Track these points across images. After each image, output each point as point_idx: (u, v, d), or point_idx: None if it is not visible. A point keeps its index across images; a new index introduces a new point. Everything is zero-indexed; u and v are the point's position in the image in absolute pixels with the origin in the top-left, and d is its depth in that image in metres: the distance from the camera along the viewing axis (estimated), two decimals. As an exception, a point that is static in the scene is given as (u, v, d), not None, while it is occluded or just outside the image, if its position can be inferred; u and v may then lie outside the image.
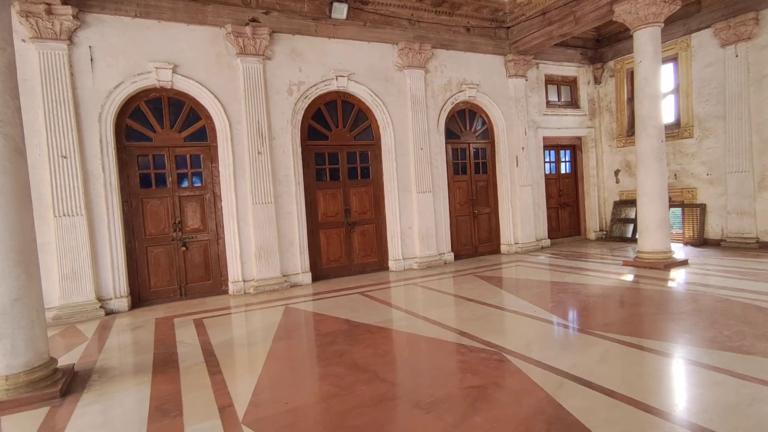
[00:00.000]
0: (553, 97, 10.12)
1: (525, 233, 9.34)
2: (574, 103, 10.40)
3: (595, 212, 10.60)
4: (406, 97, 8.11)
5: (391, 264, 8.08)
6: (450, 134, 8.83)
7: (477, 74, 8.85)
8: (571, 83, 10.35)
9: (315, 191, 7.59)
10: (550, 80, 10.00)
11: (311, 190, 7.55)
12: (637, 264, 7.06)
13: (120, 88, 6.12)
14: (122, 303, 6.09)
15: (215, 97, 6.65)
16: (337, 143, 7.75)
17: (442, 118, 8.51)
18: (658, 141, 6.84)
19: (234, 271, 6.82)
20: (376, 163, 8.07)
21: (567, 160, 10.60)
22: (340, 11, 7.36)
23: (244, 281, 6.86)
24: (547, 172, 10.24)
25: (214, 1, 6.59)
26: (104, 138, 6.04)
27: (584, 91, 10.39)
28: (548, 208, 10.16)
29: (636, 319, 4.43)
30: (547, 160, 10.23)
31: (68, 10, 5.71)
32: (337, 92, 7.66)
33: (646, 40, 6.75)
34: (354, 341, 4.29)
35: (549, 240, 9.89)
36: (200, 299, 6.60)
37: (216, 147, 6.78)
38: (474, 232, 9.13)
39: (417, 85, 8.15)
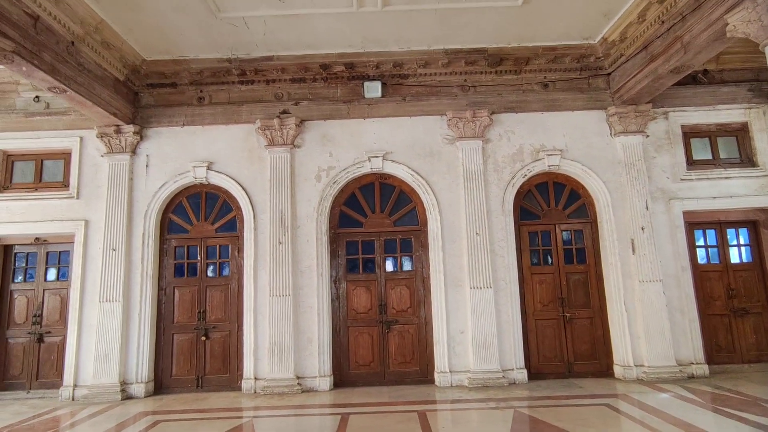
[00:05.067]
0: (702, 155, 7.09)
1: (654, 352, 6.36)
2: (745, 160, 7.07)
3: (809, 326, 6.60)
4: (457, 173, 6.84)
5: (437, 377, 6.47)
6: (526, 214, 6.97)
7: (561, 137, 6.92)
8: (737, 132, 7.12)
9: (345, 284, 6.83)
10: (693, 132, 7.10)
11: (340, 283, 6.83)
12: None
13: (164, 187, 6.86)
14: (140, 389, 6.37)
15: (243, 188, 6.83)
16: (373, 230, 6.94)
17: (510, 194, 6.81)
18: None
19: (248, 368, 6.48)
20: (422, 251, 6.87)
21: (742, 243, 7.08)
22: (375, 89, 6.89)
23: (255, 379, 6.43)
24: (702, 261, 7.00)
25: (248, 100, 6.99)
26: (146, 232, 6.75)
27: (763, 141, 6.99)
28: (707, 315, 6.82)
29: None
30: (700, 244, 7.03)
31: (131, 128, 6.83)
32: (373, 174, 6.99)
33: (786, 57, 4.10)
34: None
35: (707, 366, 6.50)
36: (211, 393, 6.43)
37: (243, 237, 6.85)
38: (566, 343, 6.69)
39: (472, 159, 6.81)
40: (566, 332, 6.71)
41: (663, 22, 5.50)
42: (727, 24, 4.56)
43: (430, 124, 6.99)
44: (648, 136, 6.91)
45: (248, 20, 5.85)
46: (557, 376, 6.60)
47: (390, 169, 6.89)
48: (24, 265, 7.00)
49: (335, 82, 6.98)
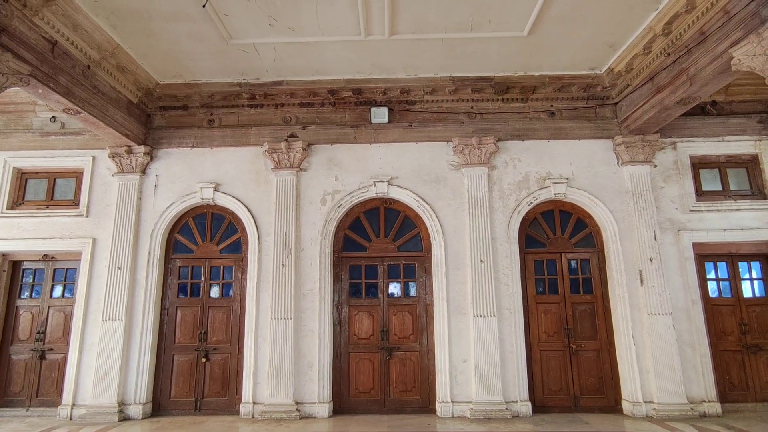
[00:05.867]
0: (712, 186, 7.00)
1: (664, 388, 6.16)
2: (756, 192, 6.95)
3: (827, 365, 6.36)
4: (462, 200, 6.82)
5: (438, 407, 6.31)
6: (531, 242, 6.90)
7: (568, 165, 6.89)
8: (747, 164, 7.03)
9: (347, 308, 6.78)
10: (702, 163, 7.03)
11: (342, 307, 6.78)
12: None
13: (171, 207, 6.93)
14: (138, 410, 6.30)
15: (248, 210, 6.88)
16: (377, 254, 6.91)
17: (515, 222, 6.76)
18: None
19: (247, 391, 6.39)
20: (425, 277, 6.82)
21: (755, 277, 6.90)
22: (381, 115, 6.97)
23: (253, 403, 6.34)
24: (713, 294, 6.82)
25: (257, 124, 7.10)
26: (152, 251, 6.80)
27: (775, 173, 6.90)
28: (720, 350, 6.62)
29: None
30: (711, 276, 6.87)
31: (142, 149, 6.95)
32: (379, 199, 7.01)
33: (792, 92, 4.07)
34: None
35: (719, 404, 6.26)
36: (208, 417, 6.35)
37: (247, 259, 6.85)
38: (572, 375, 6.51)
39: (477, 185, 6.80)
40: (572, 364, 6.54)
41: (668, 54, 5.52)
42: (732, 57, 4.55)
43: (436, 150, 7.02)
44: (656, 166, 6.85)
45: (259, 47, 6.00)
46: (562, 410, 6.40)
47: (395, 194, 6.90)
48: (31, 281, 7.07)
49: (343, 107, 7.08)
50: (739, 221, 6.76)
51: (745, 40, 4.37)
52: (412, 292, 6.83)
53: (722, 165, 7.06)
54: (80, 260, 6.83)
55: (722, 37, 4.71)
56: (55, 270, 7.06)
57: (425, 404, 6.49)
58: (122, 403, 6.34)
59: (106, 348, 6.43)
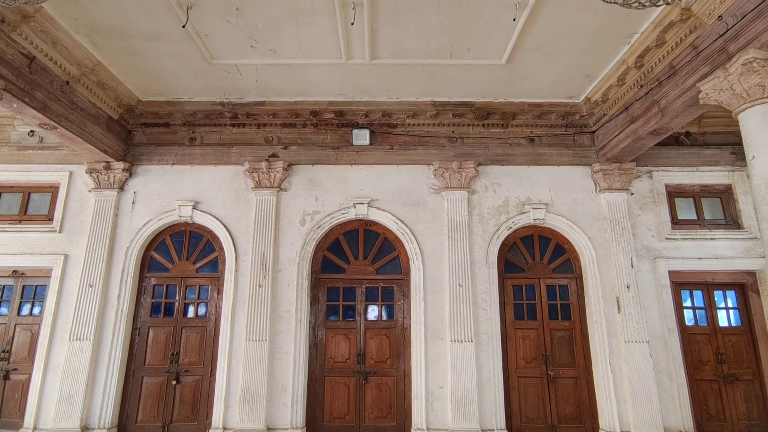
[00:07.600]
0: (687, 215, 7.10)
1: (641, 418, 6.11)
2: (730, 222, 7.06)
3: (802, 396, 6.36)
4: (442, 223, 6.83)
5: (414, 435, 6.19)
6: (510, 267, 6.91)
7: (547, 191, 6.96)
8: (721, 194, 7.16)
9: (323, 330, 6.68)
10: (678, 192, 7.14)
11: (318, 329, 6.67)
12: None
13: (148, 224, 6.83)
14: (101, 435, 6.09)
15: (227, 229, 6.81)
16: (356, 277, 6.85)
17: (494, 246, 6.76)
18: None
19: (217, 416, 6.21)
20: (403, 301, 6.76)
21: (730, 306, 6.95)
22: (363, 137, 7.00)
23: (223, 429, 6.15)
24: (689, 323, 6.85)
25: (239, 143, 7.09)
26: (126, 269, 6.67)
27: (748, 203, 7.01)
28: (696, 380, 6.60)
29: None
30: (687, 305, 6.91)
31: (121, 165, 6.89)
32: (358, 221, 6.99)
33: (757, 125, 4.17)
34: None
35: (696, 434, 6.23)
36: (177, 443, 6.14)
37: (223, 279, 6.75)
38: (549, 403, 6.43)
39: (457, 209, 6.82)
40: (550, 392, 6.47)
41: (641, 86, 5.66)
42: (700, 91, 4.68)
43: (416, 173, 7.05)
44: (632, 193, 6.94)
45: (241, 67, 6.03)
46: (540, 438, 6.31)
47: (375, 216, 6.89)
48: (-1, 297, 6.88)
49: (325, 129, 7.11)
50: (714, 250, 6.84)
51: (712, 75, 4.50)
52: (390, 315, 6.76)
53: (697, 194, 7.17)
54: (50, 277, 6.67)
55: (691, 71, 4.84)
56: (24, 287, 6.87)
57: (400, 431, 6.35)
58: (86, 428, 6.11)
59: (72, 369, 6.23)
